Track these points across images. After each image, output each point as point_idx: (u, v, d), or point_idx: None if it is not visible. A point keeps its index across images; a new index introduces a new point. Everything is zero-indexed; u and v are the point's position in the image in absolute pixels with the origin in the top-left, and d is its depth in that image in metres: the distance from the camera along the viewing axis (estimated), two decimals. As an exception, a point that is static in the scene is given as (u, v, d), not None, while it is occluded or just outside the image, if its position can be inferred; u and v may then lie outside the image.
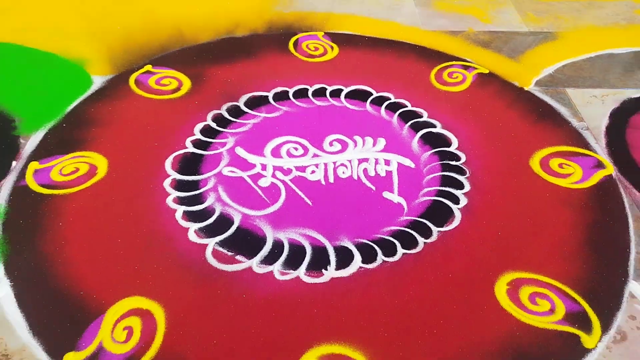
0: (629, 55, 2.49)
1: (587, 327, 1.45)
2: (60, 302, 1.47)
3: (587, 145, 2.00)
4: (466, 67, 2.36)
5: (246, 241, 1.63)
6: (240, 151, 1.92)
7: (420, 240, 1.65)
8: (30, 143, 1.94)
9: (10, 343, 1.39)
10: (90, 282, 1.51)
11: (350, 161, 1.90)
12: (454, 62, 2.39)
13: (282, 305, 1.48)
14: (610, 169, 1.90)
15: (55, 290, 1.49)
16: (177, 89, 2.19)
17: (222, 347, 1.38)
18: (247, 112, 2.09)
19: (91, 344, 1.38)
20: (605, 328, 1.45)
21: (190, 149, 1.92)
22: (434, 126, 2.05)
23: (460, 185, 1.82)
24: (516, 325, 1.45)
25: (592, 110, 2.16)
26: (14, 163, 1.86)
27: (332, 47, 2.46)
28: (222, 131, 2.00)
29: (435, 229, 1.68)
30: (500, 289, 1.53)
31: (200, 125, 2.02)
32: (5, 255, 1.58)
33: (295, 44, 2.47)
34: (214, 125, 2.03)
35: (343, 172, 1.86)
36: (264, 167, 1.87)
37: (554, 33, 2.62)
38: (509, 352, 1.39)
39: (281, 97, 2.16)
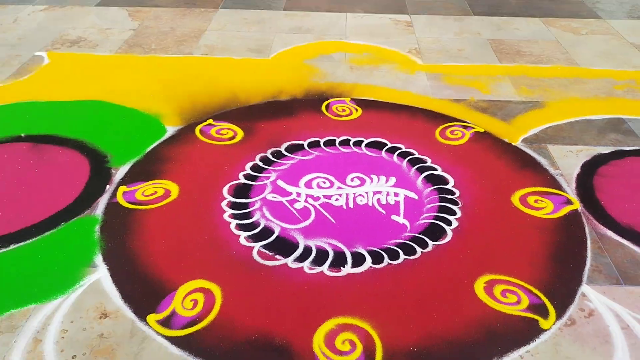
0: (604, 120, 2.98)
1: (545, 314, 1.87)
2: (143, 281, 1.97)
3: (560, 187, 2.46)
4: (465, 127, 2.89)
5: (283, 246, 2.12)
6: (280, 183, 2.45)
7: (419, 250, 2.11)
8: (119, 173, 2.51)
9: (108, 306, 1.88)
10: (166, 269, 2.01)
11: (366, 193, 2.40)
12: (455, 123, 2.92)
13: (310, 291, 1.94)
14: (577, 205, 2.35)
15: (140, 273, 2.00)
16: (233, 138, 2.77)
17: (262, 315, 1.85)
18: (286, 155, 2.64)
19: (167, 309, 1.86)
20: (559, 316, 1.86)
21: (242, 180, 2.47)
22: (436, 169, 2.56)
23: (453, 213, 2.30)
24: (489, 311, 1.87)
25: (567, 161, 2.64)
26: (107, 186, 2.43)
27: (356, 109, 3.03)
28: (267, 168, 2.55)
29: (430, 243, 2.15)
30: (479, 286, 1.97)
31: (250, 164, 2.57)
32: (103, 249, 2.10)
33: (327, 106, 3.05)
34: (260, 164, 2.58)
35: (360, 200, 2.36)
36: (298, 194, 2.39)
37: (542, 102, 3.15)
38: (483, 329, 1.81)
39: (314, 145, 2.71)
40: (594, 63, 3.64)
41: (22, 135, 2.79)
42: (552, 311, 1.88)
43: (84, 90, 3.19)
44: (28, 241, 2.13)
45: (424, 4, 4.60)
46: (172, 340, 1.77)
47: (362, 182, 2.47)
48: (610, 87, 3.34)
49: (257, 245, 2.12)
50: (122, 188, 2.41)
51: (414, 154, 2.66)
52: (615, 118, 3.02)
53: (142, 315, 1.85)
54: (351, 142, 2.74)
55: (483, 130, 2.86)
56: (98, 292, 1.93)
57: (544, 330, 1.82)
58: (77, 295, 1.92)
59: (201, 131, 2.82)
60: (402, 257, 2.08)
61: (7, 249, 2.10)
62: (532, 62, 3.64)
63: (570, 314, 1.88)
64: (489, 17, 4.35)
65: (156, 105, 3.03)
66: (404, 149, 2.69)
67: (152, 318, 1.84)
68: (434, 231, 2.21)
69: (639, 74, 3.51)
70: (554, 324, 1.84)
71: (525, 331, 1.81)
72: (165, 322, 1.82)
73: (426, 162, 2.61)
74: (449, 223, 2.25)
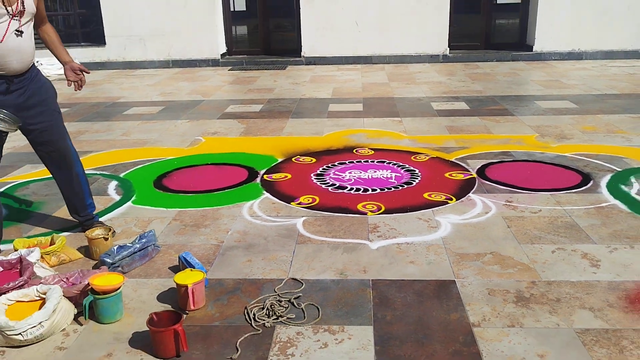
0: (498, 152, 5.85)
1: (451, 200, 4.59)
2: (285, 196, 4.75)
3: (468, 171, 5.27)
4: (426, 155, 5.77)
5: (341, 187, 4.92)
6: (336, 172, 5.31)
7: (400, 187, 4.89)
8: (261, 172, 5.40)
9: (273, 201, 4.65)
10: (292, 192, 4.81)
11: (377, 174, 5.23)
12: (421, 153, 5.82)
13: (353, 196, 4.71)
14: (474, 175, 5.14)
15: (283, 194, 4.79)
16: (311, 162, 5.68)
17: (337, 203, 4.60)
18: (337, 166, 5.52)
19: (298, 201, 4.63)
20: (457, 200, 4.58)
21: (319, 172, 5.33)
22: (410, 167, 5.40)
23: (416, 178, 5.10)
24: (428, 200, 4.61)
25: (475, 164, 5.46)
26: (258, 176, 5.31)
27: (371, 151, 5.96)
28: (328, 170, 5.42)
29: (405, 185, 4.93)
30: (425, 195, 4.71)
31: (322, 168, 5.45)
32: (264, 189, 4.92)
33: (356, 150, 6.00)
34: (326, 168, 5.45)
35: (375, 175, 5.18)
36: (345, 175, 5.23)
37: (468, 146, 6.05)
38: (425, 202, 4.54)
39: (350, 162, 5.60)
40: (502, 133, 6.60)
41: (209, 163, 5.75)
42: (454, 199, 4.61)
43: (230, 149, 6.21)
44: (234, 188, 4.99)
45: (409, 112, 7.76)
46: (303, 207, 4.53)
47: (375, 172, 5.32)
48: (508, 142, 6.25)
49: (329, 188, 4.93)
50: (265, 175, 5.29)
51: (399, 164, 5.53)
52: (505, 152, 5.89)
53: (288, 202, 4.63)
54: (369, 161, 5.64)
55: (435, 156, 5.75)
56: (268, 199, 4.73)
57: (449, 203, 4.54)
58: (260, 199, 4.72)
59: (294, 159, 5.75)
60: (393, 188, 4.86)
61: (223, 191, 4.94)
62: (467, 133, 6.62)
63: (461, 200, 4.60)
64: (447, 117, 7.45)
65: (270, 152, 6.01)
66: (394, 163, 5.57)
67: (292, 203, 4.61)
68: (407, 183, 5.00)
69: (526, 136, 6.45)
70: (454, 202, 4.56)
71: (441, 204, 4.54)
72: (298, 203, 4.59)
73: (406, 166, 5.47)
74: (414, 180, 5.05)
